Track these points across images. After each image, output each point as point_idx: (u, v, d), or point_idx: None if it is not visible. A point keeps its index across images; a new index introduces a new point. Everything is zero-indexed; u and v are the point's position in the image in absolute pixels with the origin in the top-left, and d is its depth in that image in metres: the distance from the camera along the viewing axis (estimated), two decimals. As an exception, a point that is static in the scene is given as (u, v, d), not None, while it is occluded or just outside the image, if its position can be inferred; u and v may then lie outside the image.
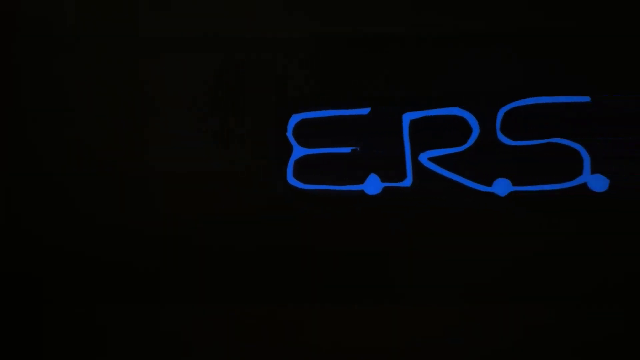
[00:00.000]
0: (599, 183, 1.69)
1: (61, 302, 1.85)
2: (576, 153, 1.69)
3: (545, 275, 1.73)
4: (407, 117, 1.73)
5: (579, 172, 1.69)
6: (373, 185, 1.76)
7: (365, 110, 1.75)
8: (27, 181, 1.85)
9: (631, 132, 1.67)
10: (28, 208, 1.85)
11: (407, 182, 1.74)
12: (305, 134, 1.77)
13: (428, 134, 1.73)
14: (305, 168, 1.77)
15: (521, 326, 1.74)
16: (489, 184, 1.72)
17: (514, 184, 1.72)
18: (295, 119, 1.77)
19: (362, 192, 1.76)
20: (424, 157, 1.73)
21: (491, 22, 1.72)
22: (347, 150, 1.75)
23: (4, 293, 1.85)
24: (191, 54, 1.81)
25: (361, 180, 1.76)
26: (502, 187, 1.73)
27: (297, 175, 1.77)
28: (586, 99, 1.69)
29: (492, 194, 1.72)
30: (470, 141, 1.72)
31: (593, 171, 1.69)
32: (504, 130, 1.71)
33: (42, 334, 1.84)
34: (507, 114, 1.71)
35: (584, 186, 1.69)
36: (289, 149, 1.77)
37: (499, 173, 1.72)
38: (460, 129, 1.72)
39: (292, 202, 1.77)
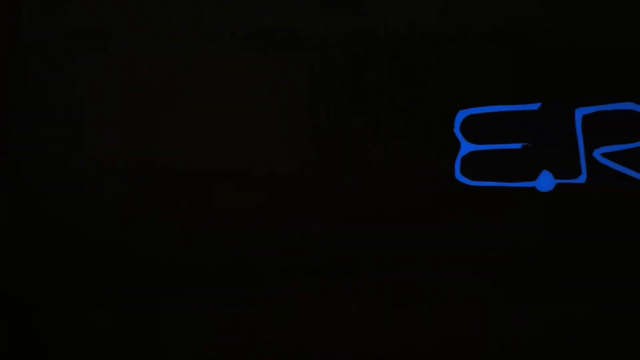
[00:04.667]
0: None
1: (52, 307, 1.84)
2: None
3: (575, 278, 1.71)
4: (580, 112, 1.68)
5: None
6: (546, 181, 1.71)
7: (535, 106, 1.70)
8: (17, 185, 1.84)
9: None
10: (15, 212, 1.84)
11: (582, 178, 1.69)
12: (474, 130, 1.73)
13: (603, 129, 1.68)
14: (473, 165, 1.73)
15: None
16: None
17: None
18: (462, 114, 1.73)
19: (533, 189, 1.71)
20: (598, 153, 1.68)
21: None
22: (518, 146, 1.71)
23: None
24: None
25: (533, 177, 1.72)
26: None
27: (465, 172, 1.73)
28: None
29: None
30: None
31: None
32: None
33: (34, 340, 1.84)
34: None
35: None
36: (456, 145, 1.73)
37: None
38: (636, 124, 1.67)
39: (460, 200, 1.72)
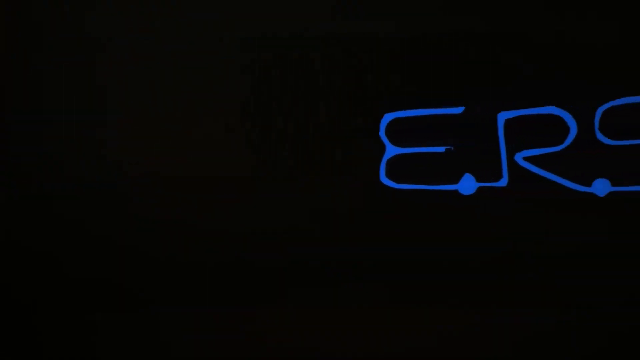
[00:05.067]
0: None
1: (53, 312, 1.85)
2: None
3: (575, 278, 1.72)
4: (502, 117, 1.70)
5: None
6: (468, 185, 1.73)
7: (459, 110, 1.72)
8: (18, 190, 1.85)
9: None
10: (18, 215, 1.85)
11: (503, 182, 1.70)
12: (398, 133, 1.74)
13: (524, 133, 1.69)
14: (398, 167, 1.74)
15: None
16: (588, 184, 1.67)
17: (614, 184, 1.67)
18: (387, 118, 1.74)
19: (456, 192, 1.73)
20: (520, 157, 1.70)
21: (588, 20, 1.69)
22: (441, 149, 1.72)
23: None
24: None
25: (456, 180, 1.73)
26: (601, 187, 1.68)
27: (390, 175, 1.75)
28: None
29: (591, 194, 1.68)
30: (568, 140, 1.69)
31: None
32: (602, 130, 1.66)
33: (34, 339, 1.84)
34: (606, 113, 1.66)
35: None
36: (381, 149, 1.74)
37: (598, 173, 1.68)
38: (557, 128, 1.68)
39: (384, 202, 1.74)
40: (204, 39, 1.82)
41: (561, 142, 1.70)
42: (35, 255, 1.88)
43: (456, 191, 1.75)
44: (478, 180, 1.74)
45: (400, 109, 1.76)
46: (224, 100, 1.80)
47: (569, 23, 1.71)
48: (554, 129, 1.70)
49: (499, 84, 1.73)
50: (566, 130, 1.70)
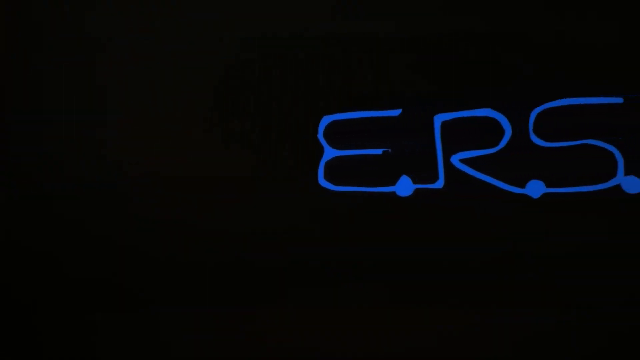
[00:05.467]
0: (632, 184, 1.68)
1: (53, 312, 1.86)
2: (610, 154, 1.68)
3: (574, 278, 1.72)
4: (439, 119, 1.72)
5: (612, 173, 1.68)
6: (405, 186, 1.74)
7: (396, 112, 1.74)
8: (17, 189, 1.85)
9: None
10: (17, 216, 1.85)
11: (439, 183, 1.72)
12: (337, 135, 1.77)
13: (460, 135, 1.71)
14: (336, 170, 1.76)
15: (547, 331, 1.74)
16: (522, 185, 1.69)
17: (548, 186, 1.69)
18: (326, 120, 1.76)
19: (393, 194, 1.75)
20: (456, 159, 1.72)
21: (524, 24, 1.71)
22: (378, 151, 1.74)
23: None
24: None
25: (393, 182, 1.75)
26: (535, 188, 1.70)
27: (328, 177, 1.76)
28: (619, 99, 1.66)
29: (525, 196, 1.69)
30: (503, 142, 1.71)
31: (627, 173, 1.68)
32: (536, 132, 1.68)
33: (34, 339, 1.85)
34: (540, 115, 1.69)
35: (617, 188, 1.68)
36: (320, 151, 1.76)
37: (532, 175, 1.70)
38: (492, 130, 1.70)
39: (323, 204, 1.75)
40: (204, 39, 1.82)
41: (496, 144, 1.72)
42: (35, 255, 1.89)
43: (393, 193, 1.76)
44: (415, 182, 1.76)
45: (339, 112, 1.78)
46: (224, 100, 1.80)
47: (569, 23, 1.71)
48: (489, 131, 1.72)
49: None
50: (501, 132, 1.72)
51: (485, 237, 1.74)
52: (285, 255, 1.80)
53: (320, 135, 1.79)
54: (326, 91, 1.79)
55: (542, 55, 1.71)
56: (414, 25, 1.75)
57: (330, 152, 1.79)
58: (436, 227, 1.76)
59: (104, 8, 1.85)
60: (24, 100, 1.88)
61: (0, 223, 1.89)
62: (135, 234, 1.86)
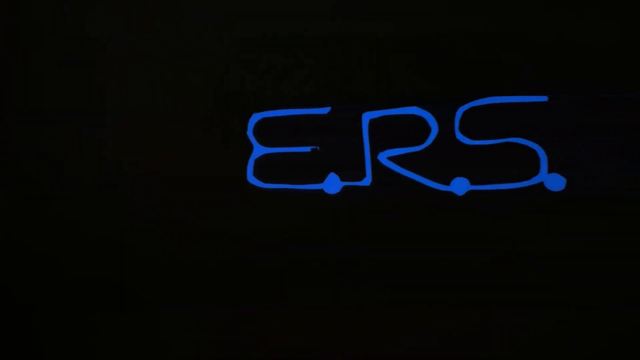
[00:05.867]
0: (555, 182, 1.71)
1: (53, 312, 1.85)
2: (533, 152, 1.71)
3: (574, 278, 1.73)
4: (367, 117, 1.72)
5: (536, 171, 1.72)
6: (332, 184, 1.75)
7: (325, 110, 1.74)
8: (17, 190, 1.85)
9: (587, 132, 1.71)
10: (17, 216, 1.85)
11: (367, 181, 1.73)
12: (266, 133, 1.77)
13: (388, 133, 1.72)
14: (265, 167, 1.76)
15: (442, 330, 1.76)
16: (447, 183, 1.71)
17: (472, 183, 1.71)
18: (255, 117, 1.76)
19: (321, 191, 1.75)
20: (383, 157, 1.73)
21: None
22: (307, 149, 1.75)
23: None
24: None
25: (321, 179, 1.75)
26: (460, 186, 1.72)
27: (257, 174, 1.77)
28: (544, 98, 1.70)
29: (450, 193, 1.71)
30: (429, 141, 1.72)
31: (550, 170, 1.72)
32: (462, 130, 1.70)
33: (34, 339, 1.84)
34: (466, 114, 1.71)
35: (541, 185, 1.71)
36: (249, 148, 1.76)
37: (457, 172, 1.71)
38: (419, 128, 1.71)
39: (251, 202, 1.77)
40: (204, 39, 1.82)
41: (423, 142, 1.75)
42: (35, 255, 1.88)
43: (322, 190, 1.77)
44: (342, 179, 1.77)
45: (269, 109, 1.79)
46: (224, 100, 1.80)
47: (569, 23, 1.71)
48: (416, 130, 1.74)
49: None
50: (428, 130, 1.74)
51: (486, 237, 1.74)
52: (285, 255, 1.80)
53: (250, 133, 1.80)
54: (259, 88, 1.80)
55: (542, 55, 1.71)
56: (414, 25, 1.75)
57: (259, 150, 1.79)
58: (361, 225, 1.78)
59: (104, 8, 1.85)
60: (24, 100, 1.88)
61: (0, 223, 1.89)
62: (135, 234, 1.85)
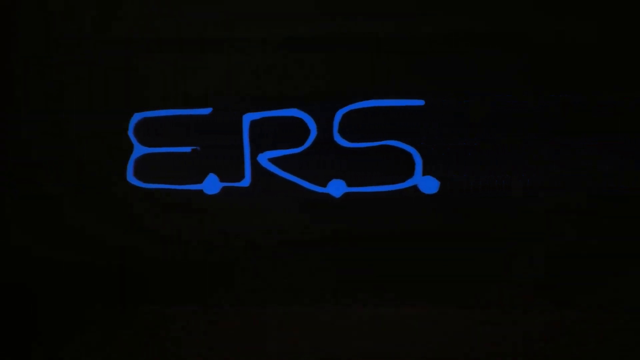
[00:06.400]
0: (429, 185, 1.74)
1: (53, 312, 1.88)
2: (409, 155, 1.74)
3: (574, 278, 1.74)
4: (248, 118, 1.71)
5: (410, 173, 1.74)
6: (212, 185, 1.75)
7: (206, 111, 1.73)
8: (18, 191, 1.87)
9: (462, 136, 1.74)
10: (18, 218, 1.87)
11: (246, 182, 1.72)
12: (147, 132, 1.77)
13: (268, 135, 1.77)
14: (145, 167, 1.76)
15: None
16: (324, 184, 1.73)
17: (349, 185, 1.75)
18: (136, 117, 1.75)
19: (201, 192, 1.74)
20: (263, 158, 1.72)
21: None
22: (187, 149, 1.74)
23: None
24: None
25: (200, 180, 1.74)
26: (337, 188, 1.76)
27: (138, 174, 1.76)
28: (420, 102, 1.72)
29: (327, 195, 1.74)
30: (308, 142, 1.75)
31: (424, 173, 1.75)
32: (341, 132, 1.72)
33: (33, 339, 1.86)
34: (345, 116, 1.75)
35: (415, 188, 1.74)
36: (129, 148, 1.76)
37: (334, 174, 1.75)
38: (299, 130, 1.70)
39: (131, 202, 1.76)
40: (204, 39, 1.82)
41: (302, 144, 1.76)
42: (35, 255, 1.88)
43: (201, 191, 1.78)
44: (222, 180, 1.77)
45: (150, 109, 1.79)
46: (224, 100, 1.80)
47: (569, 23, 1.71)
48: (295, 131, 1.76)
49: (244, 86, 1.76)
50: (307, 132, 1.75)
51: (486, 237, 1.74)
52: (282, 255, 1.80)
53: (131, 132, 1.80)
54: (140, 88, 1.80)
55: (542, 55, 1.71)
56: (415, 25, 1.75)
57: (140, 150, 1.79)
58: (239, 226, 1.81)
59: (104, 8, 1.85)
60: (24, 100, 1.88)
61: (0, 223, 1.89)
62: (135, 234, 1.86)
